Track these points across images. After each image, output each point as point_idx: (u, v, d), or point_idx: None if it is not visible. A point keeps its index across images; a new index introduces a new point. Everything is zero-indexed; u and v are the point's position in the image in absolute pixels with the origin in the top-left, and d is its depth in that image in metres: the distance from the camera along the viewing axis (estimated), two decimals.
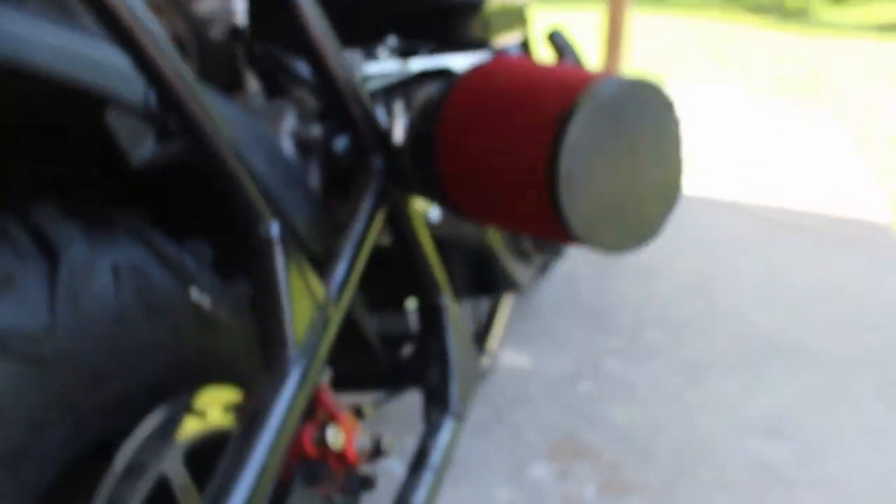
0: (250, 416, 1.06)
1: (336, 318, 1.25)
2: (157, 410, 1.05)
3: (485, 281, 2.18)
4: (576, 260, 4.04)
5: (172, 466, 1.03)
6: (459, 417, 1.72)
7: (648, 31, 9.82)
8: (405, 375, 1.89)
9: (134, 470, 0.97)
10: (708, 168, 5.50)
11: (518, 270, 2.24)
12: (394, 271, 2.19)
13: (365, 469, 1.45)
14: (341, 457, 1.30)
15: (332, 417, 1.29)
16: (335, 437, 1.24)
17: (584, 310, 3.69)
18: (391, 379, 1.93)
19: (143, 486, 0.98)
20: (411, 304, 2.29)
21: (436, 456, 1.61)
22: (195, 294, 1.14)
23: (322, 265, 1.29)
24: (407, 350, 1.96)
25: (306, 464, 1.26)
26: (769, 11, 12.09)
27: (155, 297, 1.04)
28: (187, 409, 1.10)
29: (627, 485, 2.57)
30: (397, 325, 2.18)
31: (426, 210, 1.82)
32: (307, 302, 1.15)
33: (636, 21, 7.26)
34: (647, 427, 2.86)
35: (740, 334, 3.49)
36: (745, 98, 7.42)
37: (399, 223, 1.61)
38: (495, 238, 2.08)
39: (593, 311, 3.68)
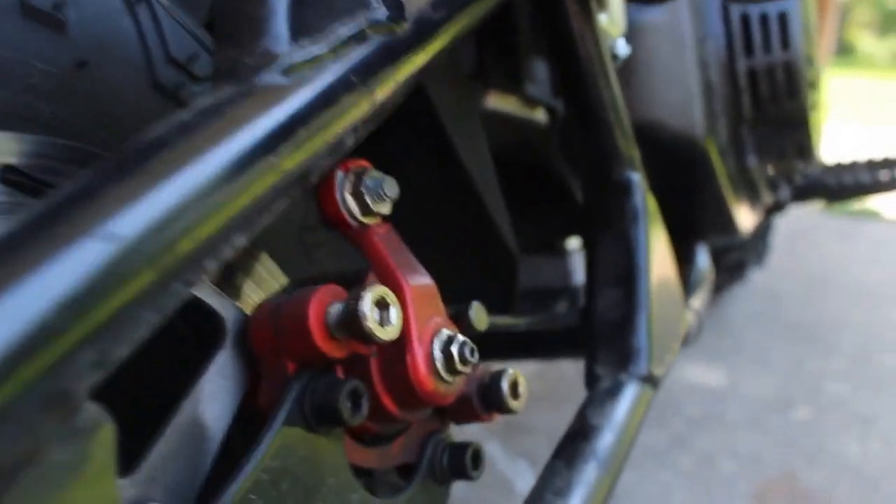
0: None
1: None
2: None
3: (689, 212, 1.43)
4: (774, 275, 3.20)
5: None
6: (649, 382, 0.98)
7: None
8: (562, 333, 1.16)
9: None
10: None
11: (739, 207, 1.47)
12: (547, 196, 1.50)
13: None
14: (396, 371, 0.61)
15: (389, 286, 0.60)
16: (371, 307, 0.54)
17: (789, 327, 2.84)
18: (543, 343, 1.21)
19: None
20: (572, 243, 1.58)
21: (606, 438, 0.88)
22: None
23: None
24: (563, 309, 1.22)
25: (310, 364, 0.58)
26: None
27: None
28: None
29: None
30: (551, 273, 1.46)
31: (613, 38, 1.11)
32: None
33: None
34: None
35: None
36: None
37: (564, 34, 0.92)
38: (712, 144, 1.34)
39: (802, 329, 2.82)
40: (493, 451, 2.03)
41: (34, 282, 0.34)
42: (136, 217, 0.38)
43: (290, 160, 0.46)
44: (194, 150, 0.42)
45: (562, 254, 1.51)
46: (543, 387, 2.31)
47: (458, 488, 1.97)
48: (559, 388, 2.31)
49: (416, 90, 0.97)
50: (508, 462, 2.00)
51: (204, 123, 0.44)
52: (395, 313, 0.57)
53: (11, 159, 0.51)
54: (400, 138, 1.02)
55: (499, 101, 1.20)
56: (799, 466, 2.02)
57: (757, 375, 2.49)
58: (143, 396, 0.70)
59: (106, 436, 0.40)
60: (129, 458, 0.57)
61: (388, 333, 0.56)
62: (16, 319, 0.34)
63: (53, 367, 0.34)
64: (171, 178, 0.41)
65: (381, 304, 0.56)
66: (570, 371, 2.38)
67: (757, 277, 3.07)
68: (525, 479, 1.91)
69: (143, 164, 0.41)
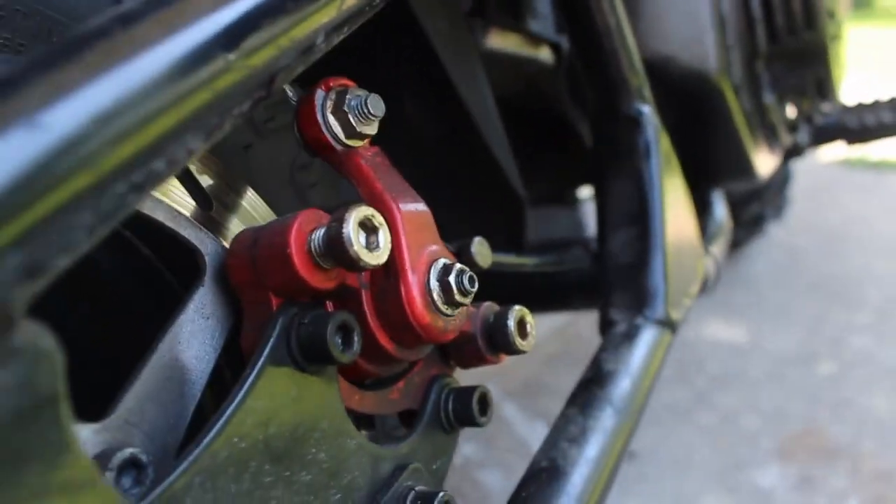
0: None
1: None
2: None
3: (703, 154, 1.36)
4: (794, 229, 3.13)
5: None
6: (667, 326, 0.93)
7: None
8: (574, 280, 1.11)
9: None
10: None
11: (757, 149, 1.40)
12: (556, 144, 1.44)
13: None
14: (389, 303, 0.56)
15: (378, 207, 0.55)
16: (356, 229, 0.49)
17: (811, 282, 2.78)
18: (555, 292, 1.16)
19: None
20: (584, 192, 1.53)
21: (622, 384, 0.83)
22: None
23: None
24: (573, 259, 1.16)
25: (296, 299, 0.53)
26: None
27: None
28: None
29: None
30: (563, 224, 1.40)
31: None
32: None
33: None
34: None
35: None
36: None
37: None
38: (725, 80, 1.27)
39: (824, 283, 2.76)
40: (510, 412, 1.99)
41: None
42: (71, 108, 0.34)
43: (250, 58, 0.41)
44: (139, 40, 0.37)
45: (573, 204, 1.45)
46: (561, 346, 2.27)
47: (475, 449, 1.93)
48: (577, 347, 2.26)
49: (411, 27, 0.92)
50: (526, 423, 1.96)
51: (152, 14, 0.39)
52: (382, 236, 0.52)
53: None
54: (396, 78, 0.97)
55: (500, 40, 1.14)
56: (824, 421, 1.97)
57: (779, 331, 2.43)
58: (119, 339, 0.65)
59: (51, 363, 0.35)
60: (106, 405, 0.53)
61: (376, 258, 0.51)
62: None
63: None
64: (113, 68, 0.36)
65: (367, 227, 0.51)
66: (587, 330, 2.33)
67: (777, 232, 3.01)
68: None
69: (81, 52, 0.36)
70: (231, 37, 0.41)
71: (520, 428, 1.95)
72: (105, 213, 0.35)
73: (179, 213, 0.56)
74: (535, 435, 1.91)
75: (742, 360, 2.26)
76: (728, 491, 1.72)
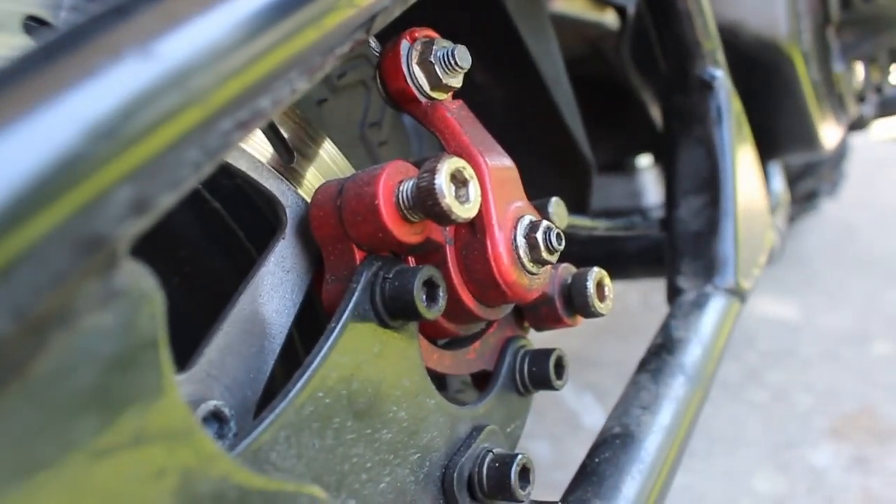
0: None
1: None
2: None
3: (769, 123, 1.32)
4: (848, 206, 3.06)
5: None
6: (736, 295, 0.91)
7: None
8: (639, 249, 1.10)
9: None
10: None
11: (823, 119, 1.36)
12: (617, 112, 1.41)
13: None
14: (474, 260, 0.55)
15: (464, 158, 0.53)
16: (448, 181, 0.47)
17: (866, 260, 2.72)
18: (620, 260, 1.15)
19: None
20: (643, 161, 1.50)
21: (693, 351, 0.82)
22: None
23: None
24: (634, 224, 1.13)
25: (380, 252, 0.52)
26: None
27: None
28: None
29: None
30: (621, 192, 1.38)
31: None
32: None
33: None
34: None
35: None
36: None
37: None
38: (795, 48, 1.23)
39: (879, 261, 2.70)
40: None
41: (61, 102, 0.29)
42: (184, 39, 0.33)
43: None
44: None
45: (632, 172, 1.43)
46: (608, 319, 2.24)
47: None
48: (624, 320, 2.24)
49: None
50: (575, 396, 1.94)
51: None
52: (473, 189, 0.50)
53: (35, 9, 0.45)
54: (467, 37, 0.95)
55: (565, 3, 1.12)
56: (878, 402, 1.93)
57: (832, 308, 2.38)
58: (197, 291, 0.65)
59: (152, 305, 0.34)
60: (184, 357, 0.52)
61: (467, 211, 0.50)
62: (41, 146, 0.28)
63: (84, 202, 0.28)
64: (221, 2, 0.35)
65: (458, 179, 0.50)
66: (634, 303, 2.31)
67: (830, 208, 2.95)
68: (592, 414, 1.86)
69: None
70: None
71: (568, 400, 1.93)
72: (210, 150, 0.34)
73: (262, 164, 0.55)
74: (583, 407, 1.89)
75: (794, 338, 2.22)
76: (780, 469, 1.69)
